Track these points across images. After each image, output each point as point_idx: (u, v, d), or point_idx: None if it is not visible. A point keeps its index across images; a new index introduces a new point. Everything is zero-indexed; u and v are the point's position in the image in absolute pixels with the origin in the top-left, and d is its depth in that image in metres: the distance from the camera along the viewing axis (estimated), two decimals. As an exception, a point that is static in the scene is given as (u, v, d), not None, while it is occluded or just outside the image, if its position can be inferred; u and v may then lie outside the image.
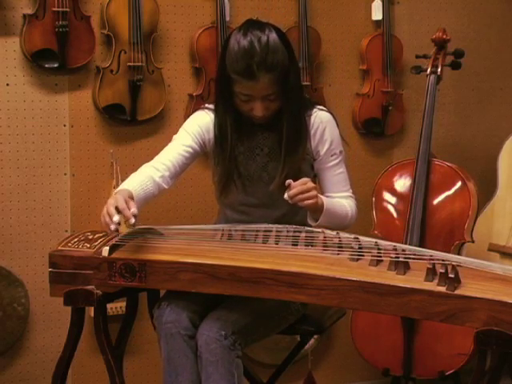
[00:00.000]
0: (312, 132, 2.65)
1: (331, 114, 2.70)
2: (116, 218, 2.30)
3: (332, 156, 2.67)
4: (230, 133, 2.62)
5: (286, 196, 2.48)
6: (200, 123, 2.68)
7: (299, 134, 2.61)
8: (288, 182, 2.48)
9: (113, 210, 2.31)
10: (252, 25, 2.54)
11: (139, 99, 3.41)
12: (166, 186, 2.60)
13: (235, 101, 2.57)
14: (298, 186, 2.47)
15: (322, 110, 2.69)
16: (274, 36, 2.50)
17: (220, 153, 2.65)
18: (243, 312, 2.51)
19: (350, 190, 2.74)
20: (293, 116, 2.58)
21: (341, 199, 2.69)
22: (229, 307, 2.52)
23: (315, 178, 2.73)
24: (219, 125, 2.64)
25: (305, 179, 2.51)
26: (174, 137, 2.70)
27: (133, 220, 2.31)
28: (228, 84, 2.54)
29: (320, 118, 2.66)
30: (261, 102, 2.52)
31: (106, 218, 2.32)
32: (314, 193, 2.49)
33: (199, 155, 2.70)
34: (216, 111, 2.65)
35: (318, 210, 2.56)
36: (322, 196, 2.59)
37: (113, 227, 2.30)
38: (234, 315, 2.49)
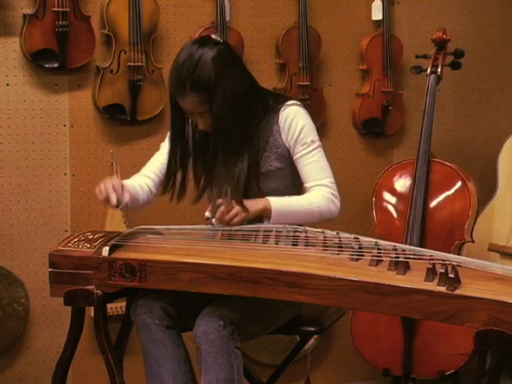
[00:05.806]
0: (281, 126, 2.67)
1: (301, 106, 2.71)
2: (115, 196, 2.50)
3: (303, 145, 2.66)
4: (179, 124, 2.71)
5: (213, 221, 2.59)
6: None
7: (231, 146, 2.62)
8: (219, 202, 2.58)
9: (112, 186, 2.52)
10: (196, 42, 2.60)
11: (139, 99, 3.41)
12: (155, 191, 2.77)
13: None
14: (221, 209, 2.56)
15: (291, 104, 2.69)
16: (205, 55, 2.52)
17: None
18: (238, 305, 2.51)
19: (328, 180, 2.67)
20: (220, 133, 2.60)
21: (308, 194, 2.66)
22: (224, 301, 2.52)
23: (293, 169, 2.72)
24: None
25: (220, 200, 2.58)
26: (161, 145, 2.83)
27: (125, 200, 2.53)
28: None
29: (287, 112, 2.67)
30: (200, 118, 2.60)
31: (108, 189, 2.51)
32: (236, 209, 2.55)
33: None
34: None
35: (263, 216, 2.59)
36: (274, 198, 2.60)
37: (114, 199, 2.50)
38: (230, 308, 2.50)
